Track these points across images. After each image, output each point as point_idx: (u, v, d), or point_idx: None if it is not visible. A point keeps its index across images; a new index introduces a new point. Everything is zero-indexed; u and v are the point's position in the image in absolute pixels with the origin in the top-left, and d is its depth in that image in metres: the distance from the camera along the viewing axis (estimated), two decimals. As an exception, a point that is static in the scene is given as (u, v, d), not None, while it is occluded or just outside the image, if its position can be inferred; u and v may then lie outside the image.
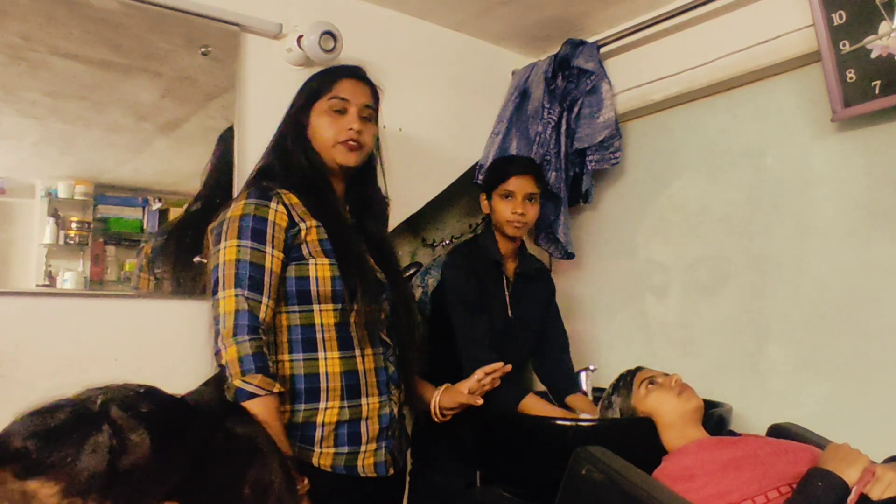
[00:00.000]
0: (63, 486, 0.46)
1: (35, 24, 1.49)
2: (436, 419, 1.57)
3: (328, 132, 1.42)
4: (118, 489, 0.47)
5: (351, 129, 1.42)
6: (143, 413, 0.51)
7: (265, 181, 1.40)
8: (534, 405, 1.68)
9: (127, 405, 0.51)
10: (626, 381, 1.58)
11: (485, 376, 1.53)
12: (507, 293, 1.92)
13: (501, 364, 1.56)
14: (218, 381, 1.23)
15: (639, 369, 1.59)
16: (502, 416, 1.66)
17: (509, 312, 1.91)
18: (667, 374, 1.54)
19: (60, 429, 0.49)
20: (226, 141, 1.74)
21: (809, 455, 1.28)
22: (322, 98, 1.44)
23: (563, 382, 1.96)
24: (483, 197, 1.94)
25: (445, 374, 1.67)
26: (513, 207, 1.85)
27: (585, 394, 1.90)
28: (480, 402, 1.52)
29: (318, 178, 1.43)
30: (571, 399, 1.90)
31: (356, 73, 1.50)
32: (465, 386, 1.54)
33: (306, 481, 1.21)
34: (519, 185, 1.85)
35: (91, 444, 0.48)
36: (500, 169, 1.92)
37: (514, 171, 1.87)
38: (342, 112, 1.43)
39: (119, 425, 0.49)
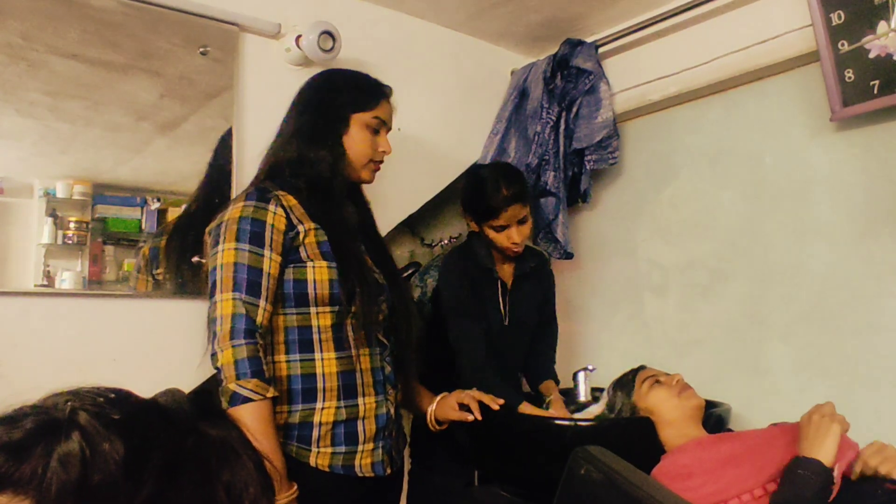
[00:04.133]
0: (32, 500, 0.44)
1: (34, 23, 1.49)
2: (431, 428, 1.57)
3: (365, 148, 1.44)
4: (90, 500, 0.45)
5: (384, 151, 1.47)
6: (114, 420, 0.49)
7: (271, 179, 1.39)
8: (530, 412, 1.69)
9: (97, 412, 0.49)
10: (628, 378, 1.58)
11: (473, 401, 1.50)
12: (502, 299, 1.90)
13: (500, 403, 1.52)
14: (215, 382, 1.23)
15: (641, 368, 1.60)
16: (501, 415, 1.66)
17: (506, 319, 1.90)
18: (668, 374, 1.54)
19: (27, 439, 0.46)
20: (223, 140, 1.73)
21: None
22: (366, 111, 1.44)
23: (536, 370, 1.98)
24: (469, 219, 1.86)
25: (442, 377, 1.67)
26: (508, 236, 1.79)
27: (557, 381, 1.95)
28: (471, 418, 1.48)
29: (341, 182, 1.42)
30: (543, 386, 1.93)
31: (390, 95, 1.52)
32: (454, 400, 1.52)
33: (295, 487, 1.20)
34: (510, 216, 1.77)
35: (61, 454, 0.45)
36: (485, 203, 1.78)
37: (503, 206, 1.76)
38: (377, 132, 1.46)
39: (89, 434, 0.47)
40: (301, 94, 1.49)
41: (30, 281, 1.50)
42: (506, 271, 1.92)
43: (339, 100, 1.44)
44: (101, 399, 0.51)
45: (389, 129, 1.50)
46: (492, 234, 1.81)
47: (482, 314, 1.85)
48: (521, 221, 1.80)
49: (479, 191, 1.81)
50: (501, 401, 1.52)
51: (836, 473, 1.12)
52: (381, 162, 1.49)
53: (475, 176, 1.89)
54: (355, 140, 1.43)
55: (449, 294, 1.84)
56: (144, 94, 1.63)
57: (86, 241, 1.58)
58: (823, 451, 1.12)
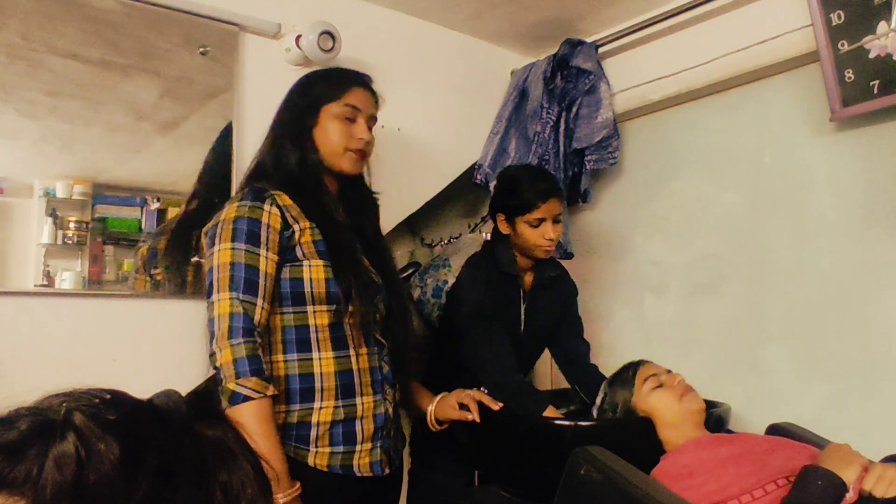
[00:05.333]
0: (28, 500, 0.44)
1: (34, 23, 1.49)
2: (431, 428, 1.57)
3: (338, 138, 1.41)
4: (86, 501, 0.45)
5: (362, 138, 1.42)
6: (109, 421, 0.48)
7: (259, 182, 1.39)
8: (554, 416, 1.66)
9: (92, 413, 0.49)
10: (627, 374, 1.57)
11: (473, 402, 1.50)
12: (521, 307, 1.87)
13: (499, 406, 1.53)
14: (215, 382, 1.23)
15: (641, 363, 1.59)
16: (501, 415, 1.66)
17: (522, 327, 1.88)
18: (669, 371, 1.53)
19: (22, 440, 0.46)
20: (222, 137, 1.73)
21: (808, 453, 1.29)
22: (333, 102, 1.42)
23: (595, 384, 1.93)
24: (501, 218, 1.81)
25: (443, 377, 1.67)
26: (544, 233, 1.74)
27: None
28: (471, 417, 1.49)
29: (312, 179, 1.41)
30: None
31: (367, 83, 1.49)
32: (454, 399, 1.53)
33: (297, 485, 1.20)
34: (548, 210, 1.73)
35: (56, 455, 0.45)
36: (523, 196, 1.75)
37: (541, 198, 1.73)
38: (352, 120, 1.43)
39: (85, 434, 0.47)
40: (285, 96, 1.50)
41: (30, 281, 1.50)
42: (525, 280, 1.89)
43: (308, 95, 1.45)
44: (97, 400, 0.51)
45: (371, 117, 1.46)
46: (526, 231, 1.76)
47: (503, 322, 1.80)
48: (556, 220, 1.77)
49: (515, 185, 1.78)
50: (500, 404, 1.52)
51: (852, 495, 1.13)
52: (363, 151, 1.43)
53: (507, 175, 1.88)
54: (326, 131, 1.41)
55: (471, 302, 1.78)
56: (144, 94, 1.63)
57: (86, 241, 1.58)
58: (845, 472, 1.15)
